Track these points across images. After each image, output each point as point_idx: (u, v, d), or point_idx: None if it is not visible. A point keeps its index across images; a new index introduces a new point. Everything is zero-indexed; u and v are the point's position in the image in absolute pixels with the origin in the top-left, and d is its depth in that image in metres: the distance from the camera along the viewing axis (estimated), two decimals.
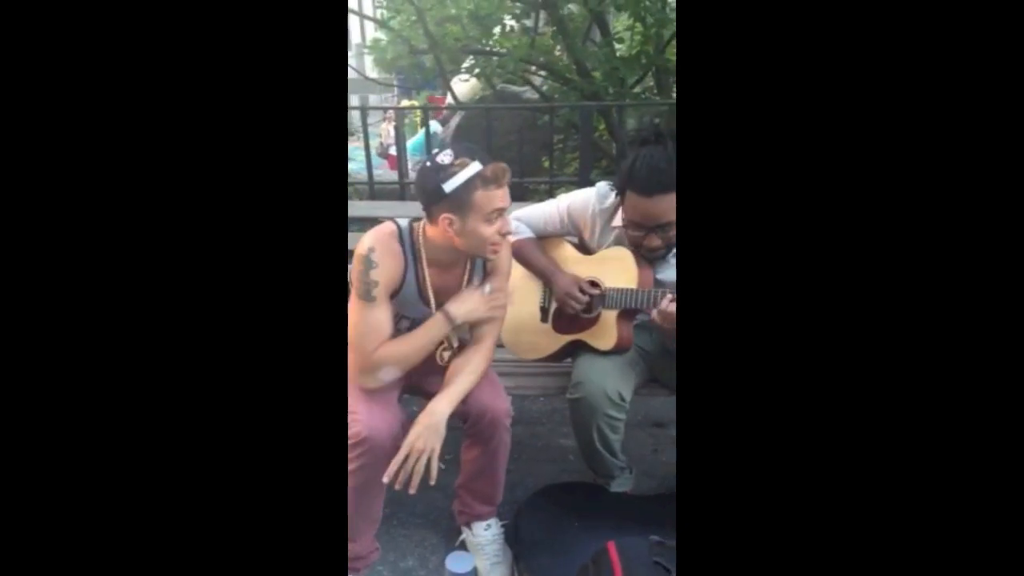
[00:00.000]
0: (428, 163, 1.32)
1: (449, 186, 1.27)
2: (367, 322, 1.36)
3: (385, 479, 1.30)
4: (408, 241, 1.41)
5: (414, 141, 4.78)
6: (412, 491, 1.29)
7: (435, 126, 4.66)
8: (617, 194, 1.55)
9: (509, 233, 1.37)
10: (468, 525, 1.58)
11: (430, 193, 1.30)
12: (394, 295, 1.41)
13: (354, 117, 2.93)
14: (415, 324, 1.47)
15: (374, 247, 1.36)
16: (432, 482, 1.32)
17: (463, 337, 1.51)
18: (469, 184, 1.28)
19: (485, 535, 1.55)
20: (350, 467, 1.33)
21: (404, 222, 1.43)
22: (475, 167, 1.28)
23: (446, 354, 1.46)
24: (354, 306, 1.37)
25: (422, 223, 1.41)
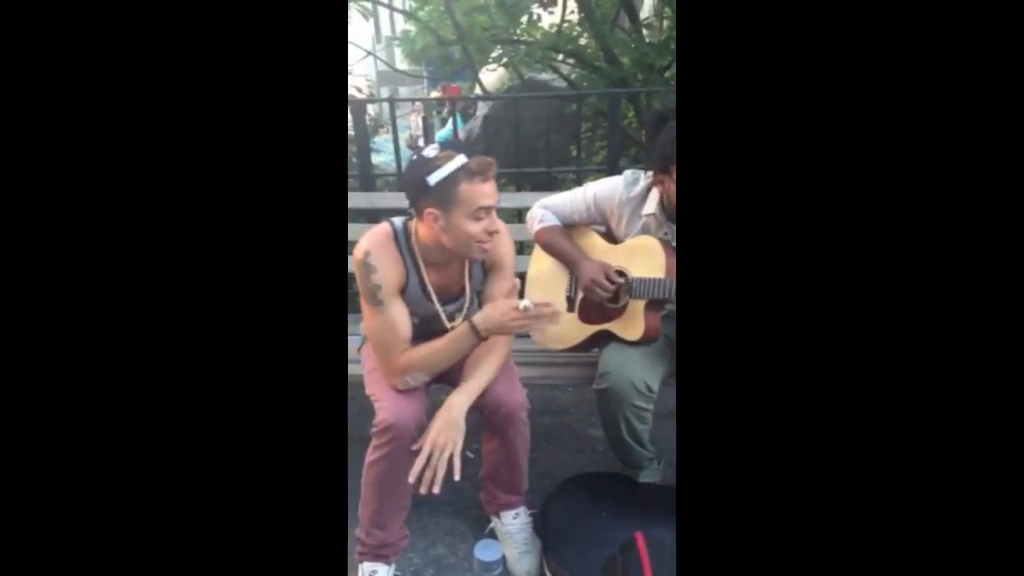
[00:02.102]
0: (415, 157, 1.32)
1: (433, 178, 1.25)
2: (381, 325, 1.37)
3: (411, 479, 1.29)
4: (404, 241, 1.40)
5: (442, 133, 4.79)
6: (436, 490, 1.28)
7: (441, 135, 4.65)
8: (660, 168, 1.48)
9: (497, 232, 1.33)
10: (497, 514, 1.59)
11: (415, 186, 1.29)
12: (401, 293, 1.40)
13: (384, 109, 2.95)
14: (424, 320, 1.47)
15: (370, 251, 1.35)
16: (456, 477, 1.31)
17: None
18: (453, 177, 1.25)
19: (514, 524, 1.56)
20: (376, 454, 1.35)
21: (399, 221, 1.42)
22: (460, 160, 1.26)
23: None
24: (366, 312, 1.38)
25: (415, 221, 1.40)
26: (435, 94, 5.87)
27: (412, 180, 1.30)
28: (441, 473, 1.29)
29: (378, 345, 1.39)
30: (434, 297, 1.44)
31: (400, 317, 1.39)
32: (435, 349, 1.38)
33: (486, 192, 1.28)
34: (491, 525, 1.61)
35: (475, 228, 1.30)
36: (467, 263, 1.47)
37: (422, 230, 1.37)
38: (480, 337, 1.35)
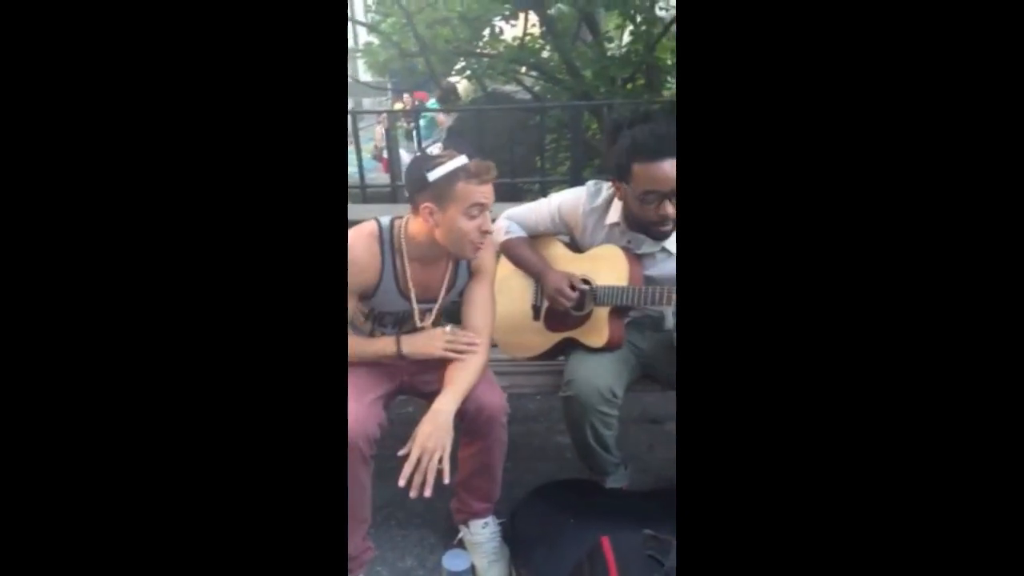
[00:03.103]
0: (419, 153, 1.38)
1: (433, 175, 1.31)
2: None
3: (401, 482, 1.29)
4: (388, 238, 1.44)
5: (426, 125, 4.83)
6: (428, 493, 1.28)
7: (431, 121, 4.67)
8: (618, 177, 1.52)
9: (489, 232, 1.39)
10: (466, 523, 1.59)
11: (415, 181, 1.36)
12: (366, 294, 1.46)
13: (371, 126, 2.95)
14: (397, 319, 1.51)
15: (352, 245, 1.40)
16: (446, 481, 1.32)
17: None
18: (452, 175, 1.31)
19: (483, 533, 1.56)
20: None
21: (386, 220, 1.47)
22: (461, 160, 1.32)
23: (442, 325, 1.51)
24: None
25: (405, 219, 1.45)
26: (399, 105, 5.88)
27: (412, 175, 1.37)
28: (431, 476, 1.30)
29: None
30: (412, 295, 1.47)
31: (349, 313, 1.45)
32: (363, 346, 1.47)
33: (483, 192, 1.34)
34: (460, 535, 1.61)
35: (469, 225, 1.34)
36: (452, 264, 1.50)
37: (414, 225, 1.42)
38: (400, 355, 1.44)
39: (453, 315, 1.60)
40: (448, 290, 1.52)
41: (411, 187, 1.38)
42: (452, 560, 1.44)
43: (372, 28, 3.48)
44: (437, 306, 1.52)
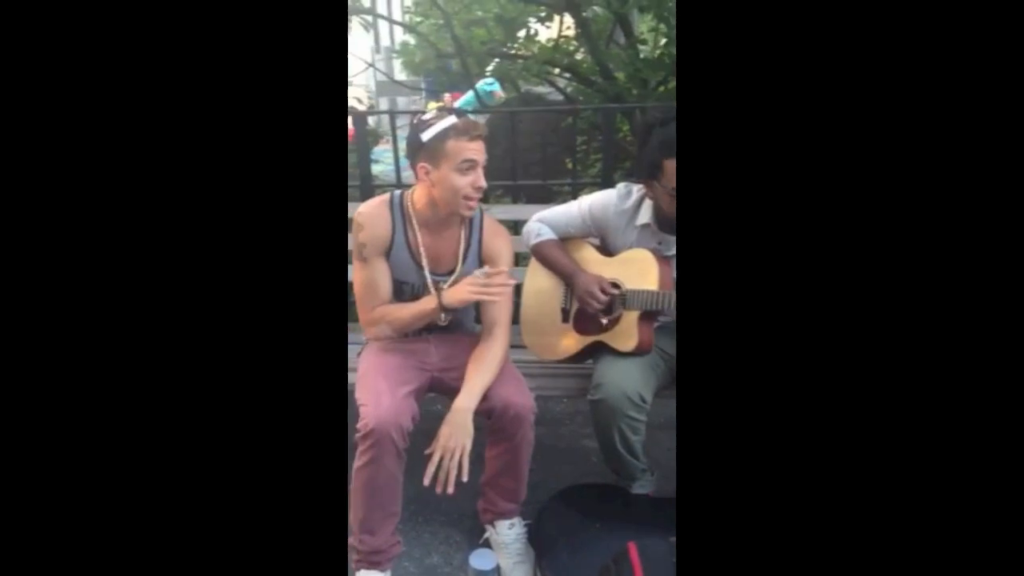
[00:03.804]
0: (415, 120, 1.45)
1: (426, 136, 1.41)
2: (363, 280, 1.51)
3: (426, 482, 1.35)
4: (397, 205, 1.52)
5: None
6: (451, 491, 1.35)
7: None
8: (649, 175, 1.52)
9: (483, 187, 1.43)
10: (492, 523, 1.60)
11: (411, 144, 1.44)
12: (386, 255, 1.52)
13: (383, 120, 2.98)
14: (415, 289, 1.55)
15: (363, 211, 1.52)
16: (464, 478, 1.37)
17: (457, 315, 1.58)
18: (443, 134, 1.40)
19: (509, 534, 1.57)
20: (360, 460, 1.38)
21: (398, 192, 1.55)
22: (450, 119, 1.41)
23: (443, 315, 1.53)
24: (355, 267, 1.52)
25: (413, 188, 1.52)
26: (436, 105, 5.93)
27: (409, 139, 1.45)
28: (453, 474, 1.36)
29: (359, 298, 1.54)
30: (424, 263, 1.53)
31: (380, 275, 1.52)
32: (402, 308, 1.52)
33: (472, 148, 1.41)
34: (486, 535, 1.62)
35: (461, 181, 1.42)
36: (462, 234, 1.55)
37: (418, 191, 1.51)
38: (441, 306, 1.46)
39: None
40: (463, 260, 1.55)
41: (410, 151, 1.46)
42: (479, 559, 1.45)
43: (410, 29, 3.51)
44: (454, 277, 1.54)
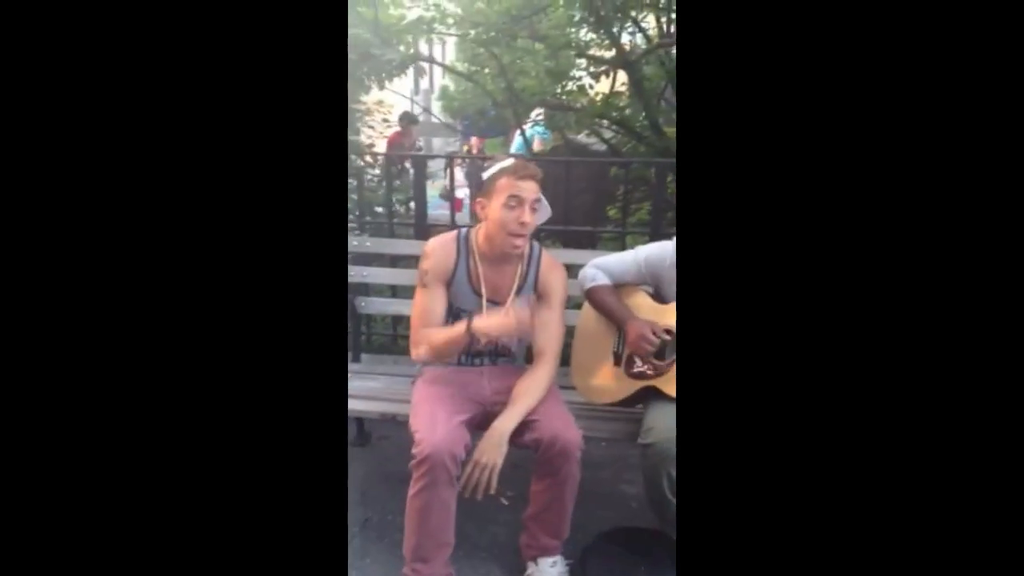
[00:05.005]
0: (485, 164, 1.60)
1: (486, 174, 1.56)
2: (419, 303, 1.63)
3: (458, 488, 1.44)
4: (463, 239, 1.65)
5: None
6: (479, 496, 1.44)
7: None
8: None
9: (527, 224, 1.52)
10: (534, 560, 1.61)
11: (476, 184, 1.61)
12: (448, 284, 1.62)
13: (438, 164, 3.06)
14: (471, 316, 1.59)
15: (432, 244, 1.65)
16: (492, 491, 1.47)
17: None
18: (499, 173, 1.53)
19: (551, 572, 1.58)
20: (415, 487, 1.42)
21: (465, 229, 1.68)
22: (508, 161, 1.56)
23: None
24: (416, 291, 1.66)
25: (479, 225, 1.64)
26: (465, 148, 6.15)
27: (474, 179, 1.61)
28: (483, 486, 1.46)
29: (413, 319, 1.65)
30: (483, 291, 1.62)
31: (436, 302, 1.62)
32: (438, 331, 1.58)
33: (521, 186, 1.51)
34: (528, 572, 1.63)
35: (507, 216, 1.51)
36: (519, 268, 1.64)
37: (481, 229, 1.62)
38: (470, 331, 1.49)
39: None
40: (516, 292, 1.63)
41: (473, 190, 1.61)
42: None
43: (467, 78, 3.67)
44: (506, 306, 1.61)
